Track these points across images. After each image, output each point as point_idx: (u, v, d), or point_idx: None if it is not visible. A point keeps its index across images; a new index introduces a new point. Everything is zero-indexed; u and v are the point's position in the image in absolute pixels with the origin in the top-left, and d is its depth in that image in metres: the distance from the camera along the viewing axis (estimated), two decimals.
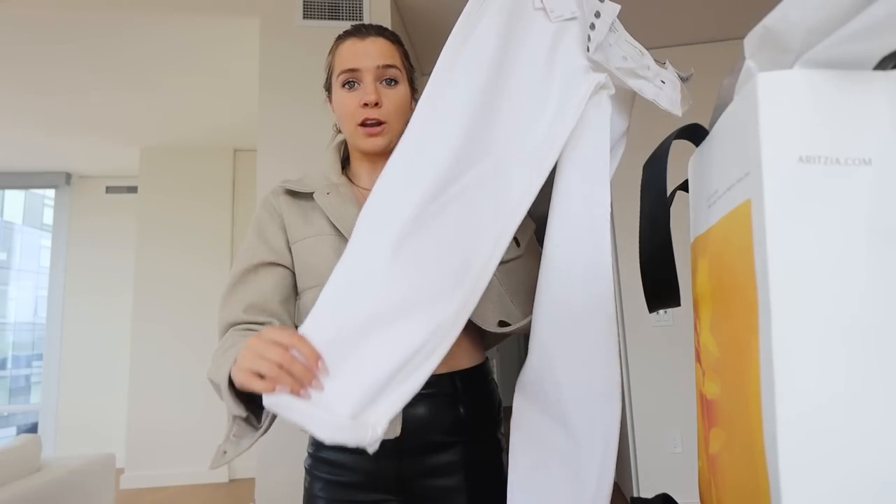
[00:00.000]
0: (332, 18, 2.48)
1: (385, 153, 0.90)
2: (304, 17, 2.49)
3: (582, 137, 0.73)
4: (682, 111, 0.74)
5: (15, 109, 3.54)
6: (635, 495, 3.02)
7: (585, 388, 0.71)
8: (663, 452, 2.94)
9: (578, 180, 0.73)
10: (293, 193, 0.91)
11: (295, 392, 0.60)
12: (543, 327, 0.73)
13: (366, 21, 2.48)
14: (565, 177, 0.74)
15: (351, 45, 0.89)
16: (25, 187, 5.05)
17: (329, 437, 0.59)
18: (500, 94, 0.74)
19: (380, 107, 0.86)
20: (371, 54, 0.87)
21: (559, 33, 0.76)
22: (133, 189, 4.61)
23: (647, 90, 0.73)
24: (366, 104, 0.85)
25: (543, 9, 0.75)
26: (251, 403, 0.73)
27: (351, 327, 0.65)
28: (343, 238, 0.84)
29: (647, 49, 0.78)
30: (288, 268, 0.88)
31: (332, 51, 0.93)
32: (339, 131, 0.98)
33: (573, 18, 0.75)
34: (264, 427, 0.72)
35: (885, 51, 0.27)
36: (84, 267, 4.67)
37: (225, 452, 0.74)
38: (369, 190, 0.91)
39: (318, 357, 0.62)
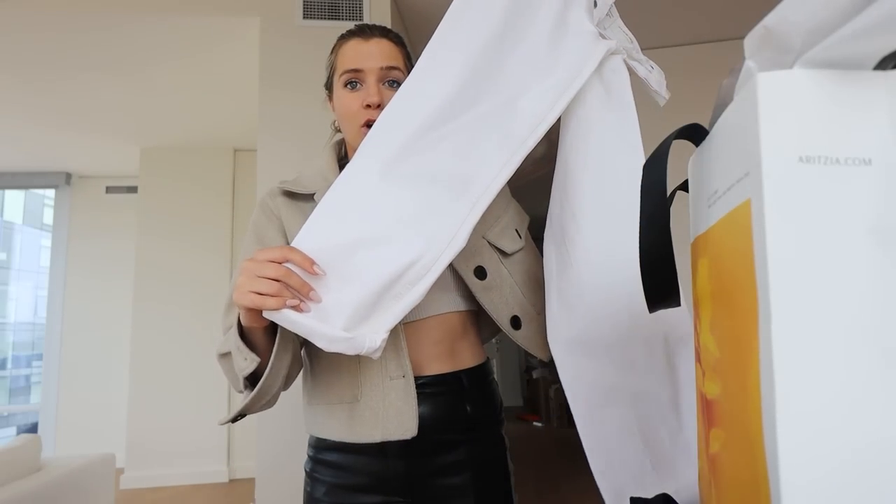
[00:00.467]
0: (332, 18, 2.48)
1: None
2: (304, 17, 2.49)
3: (607, 107, 0.75)
4: (665, 99, 0.78)
5: (15, 109, 3.54)
6: (635, 495, 3.00)
7: (658, 338, 0.69)
8: None
9: (615, 152, 0.74)
10: (291, 194, 0.90)
11: (295, 304, 0.63)
12: (599, 287, 0.72)
13: (366, 21, 2.48)
14: (598, 149, 0.75)
15: (354, 45, 0.89)
16: (25, 187, 5.05)
17: (326, 347, 0.63)
18: (509, 42, 0.74)
19: (382, 108, 0.85)
20: (374, 55, 0.87)
21: (568, 2, 0.77)
22: (133, 189, 4.61)
23: (640, 70, 0.76)
24: (368, 105, 0.85)
25: None
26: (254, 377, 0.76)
27: (343, 241, 0.67)
28: None
29: (649, 49, 0.80)
30: None
31: (335, 50, 0.93)
32: (338, 130, 0.98)
33: None
34: (268, 369, 0.74)
35: (885, 51, 0.27)
36: (84, 267, 4.67)
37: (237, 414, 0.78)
38: None
39: (312, 262, 0.64)
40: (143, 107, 3.58)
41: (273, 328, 0.74)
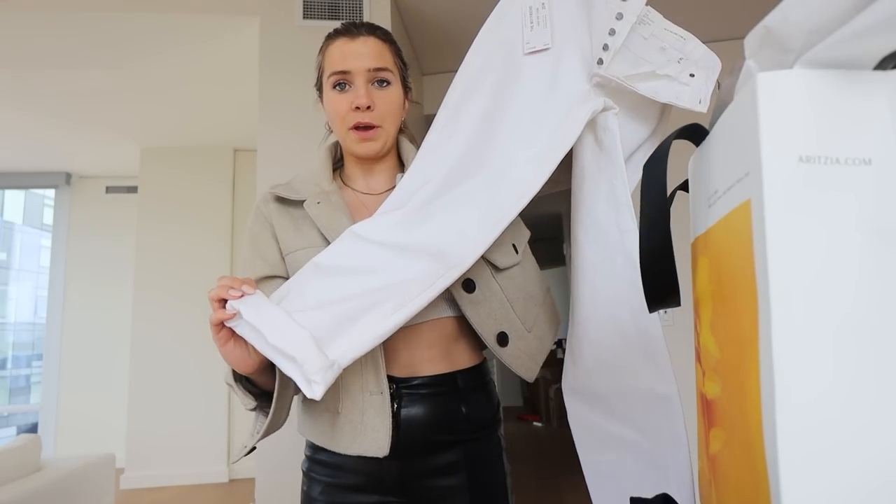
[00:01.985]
0: (332, 18, 2.48)
1: (378, 157, 0.90)
2: (304, 17, 2.49)
3: (598, 164, 0.75)
4: (708, 106, 0.74)
5: (15, 109, 3.54)
6: (635, 495, 3.00)
7: (644, 392, 0.73)
8: None
9: (605, 208, 0.75)
10: (283, 200, 0.89)
11: (230, 314, 0.67)
12: (593, 342, 0.76)
13: (366, 21, 2.48)
14: (590, 204, 0.77)
15: (341, 45, 0.87)
16: (25, 187, 5.05)
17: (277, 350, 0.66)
18: (499, 113, 0.77)
19: (372, 110, 0.84)
20: (362, 55, 0.85)
21: (559, 61, 0.78)
22: (133, 189, 4.61)
23: (665, 92, 0.73)
24: (357, 107, 0.83)
25: (533, 50, 0.79)
26: (262, 399, 0.80)
27: (319, 286, 0.73)
28: None
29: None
30: (285, 277, 0.87)
31: (322, 50, 0.91)
32: (332, 131, 0.97)
33: (545, 49, 0.78)
34: (272, 410, 0.76)
35: (886, 51, 0.27)
36: (84, 267, 4.67)
37: (245, 446, 0.81)
38: (365, 193, 0.91)
39: (241, 282, 0.69)
40: (143, 107, 3.58)
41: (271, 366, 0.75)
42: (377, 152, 0.87)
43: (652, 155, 0.43)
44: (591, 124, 0.75)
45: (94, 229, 4.72)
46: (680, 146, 0.44)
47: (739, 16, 2.94)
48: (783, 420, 0.27)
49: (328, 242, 0.82)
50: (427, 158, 0.81)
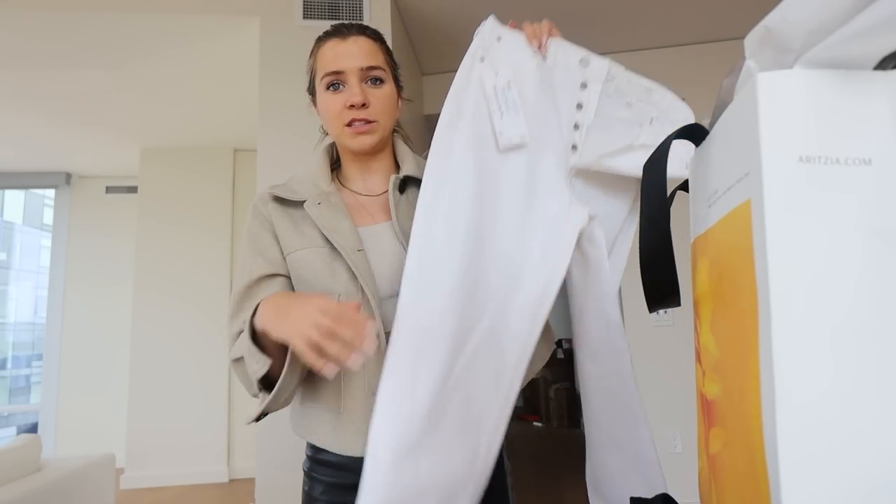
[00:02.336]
0: (331, 18, 2.48)
1: (374, 152, 0.90)
2: (304, 17, 2.49)
3: (586, 282, 0.74)
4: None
5: (15, 109, 3.54)
6: (635, 495, 3.01)
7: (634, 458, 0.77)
8: (663, 452, 2.91)
9: (596, 327, 0.75)
10: (282, 201, 0.89)
11: (331, 368, 0.62)
12: (597, 426, 0.79)
13: (366, 21, 2.48)
14: (580, 320, 0.77)
15: (333, 46, 0.87)
16: (25, 187, 5.05)
17: None
18: (487, 239, 0.71)
19: (367, 107, 0.85)
20: (354, 55, 0.85)
21: (535, 160, 0.73)
22: (133, 189, 4.60)
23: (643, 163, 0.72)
24: (352, 105, 0.84)
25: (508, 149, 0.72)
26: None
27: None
28: (335, 251, 0.83)
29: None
30: (286, 276, 0.87)
31: (313, 53, 0.91)
32: (327, 133, 0.97)
33: (522, 146, 0.71)
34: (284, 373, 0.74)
35: (886, 51, 0.27)
36: (84, 267, 4.67)
37: (251, 416, 0.79)
38: (362, 194, 0.90)
39: (363, 339, 0.63)
40: (143, 107, 3.58)
41: None
42: (373, 146, 0.88)
43: (652, 155, 0.43)
44: (577, 240, 0.71)
45: (94, 229, 4.72)
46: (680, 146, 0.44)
47: (739, 16, 2.94)
48: (783, 420, 0.27)
49: (329, 243, 0.83)
50: (424, 267, 0.69)
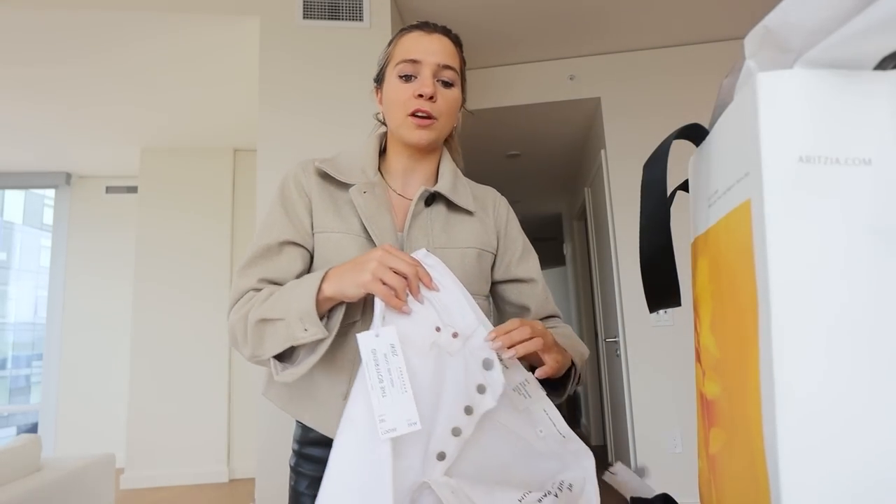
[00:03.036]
0: (332, 18, 2.48)
1: (425, 150, 0.92)
2: (304, 17, 2.49)
3: None
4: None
5: (15, 109, 3.54)
6: (635, 495, 3.01)
7: None
8: (663, 452, 2.94)
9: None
10: (327, 177, 0.89)
11: (408, 310, 0.68)
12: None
13: (365, 21, 2.48)
14: None
15: (416, 36, 0.88)
16: (25, 187, 5.05)
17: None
18: None
19: (434, 101, 0.85)
20: (434, 50, 0.86)
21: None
22: (133, 189, 4.61)
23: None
24: (421, 95, 0.84)
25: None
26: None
27: None
28: (372, 243, 0.84)
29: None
30: (309, 250, 0.87)
31: (394, 41, 0.92)
32: (382, 123, 0.97)
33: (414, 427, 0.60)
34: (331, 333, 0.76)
35: (886, 51, 0.27)
36: (84, 267, 4.67)
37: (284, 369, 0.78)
38: (399, 194, 0.92)
39: (431, 279, 0.71)
40: (143, 107, 3.58)
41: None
42: (429, 143, 0.88)
43: (652, 155, 0.43)
44: None
45: (94, 229, 4.72)
46: (680, 146, 0.44)
47: (739, 16, 2.94)
48: (783, 419, 0.27)
49: (367, 233, 0.84)
50: None
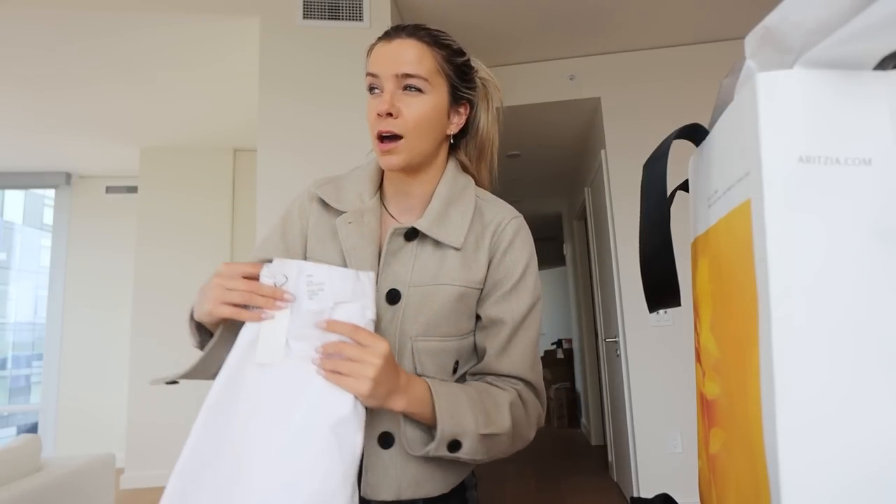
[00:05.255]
0: (332, 18, 2.48)
1: (404, 171, 0.82)
2: (304, 17, 2.49)
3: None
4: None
5: (15, 109, 3.54)
6: (635, 495, 3.02)
7: None
8: (663, 452, 2.94)
9: None
10: (326, 205, 0.86)
11: (267, 315, 0.67)
12: None
13: (365, 21, 2.48)
14: None
15: (378, 48, 0.81)
16: (25, 187, 5.05)
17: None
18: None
19: (395, 117, 0.77)
20: (391, 60, 0.78)
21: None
22: (133, 189, 4.61)
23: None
24: (378, 114, 0.77)
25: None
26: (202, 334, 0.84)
27: None
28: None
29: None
30: None
31: (367, 54, 0.86)
32: None
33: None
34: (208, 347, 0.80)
35: (885, 51, 0.27)
36: (84, 267, 4.67)
37: (166, 377, 0.84)
38: (394, 218, 0.86)
39: (279, 293, 0.68)
40: (143, 107, 3.58)
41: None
42: (400, 167, 0.79)
43: (652, 155, 0.43)
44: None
45: (94, 229, 4.72)
46: (680, 146, 0.44)
47: (739, 16, 2.94)
48: (783, 419, 0.27)
49: (345, 265, 0.80)
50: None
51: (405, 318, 0.78)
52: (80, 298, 4.63)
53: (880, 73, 0.28)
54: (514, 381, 0.82)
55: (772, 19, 0.30)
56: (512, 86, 3.38)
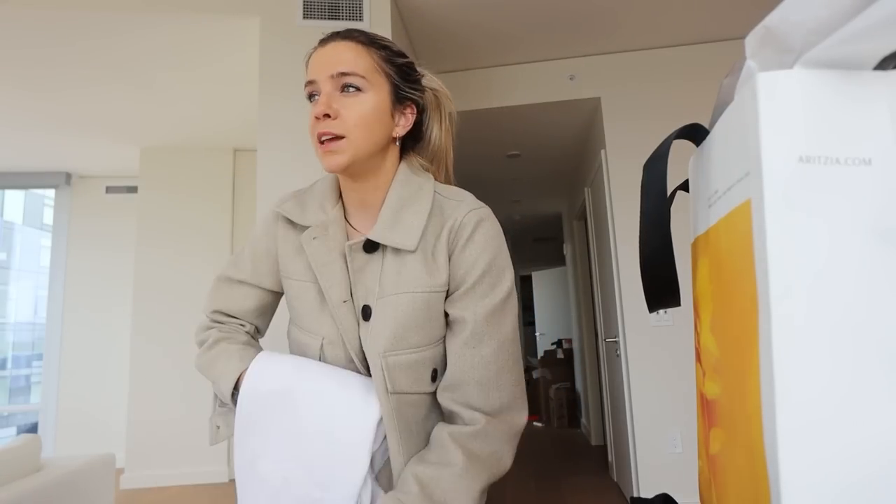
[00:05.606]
0: (332, 18, 2.48)
1: (351, 175, 0.80)
2: (304, 17, 2.49)
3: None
4: None
5: (15, 109, 3.54)
6: (635, 495, 3.02)
7: None
8: (663, 452, 2.94)
9: None
10: (291, 223, 0.85)
11: None
12: None
13: (365, 21, 2.48)
14: None
15: (313, 55, 0.79)
16: (25, 187, 5.04)
17: None
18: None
19: (333, 118, 0.74)
20: (326, 62, 0.76)
21: None
22: (133, 189, 4.61)
23: None
24: (317, 117, 0.75)
25: None
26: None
27: None
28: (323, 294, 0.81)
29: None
30: (265, 289, 0.90)
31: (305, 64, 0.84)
32: None
33: None
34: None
35: (886, 51, 0.27)
36: (84, 267, 4.67)
37: (218, 427, 0.86)
38: (357, 231, 0.83)
39: None
40: (143, 107, 3.58)
41: None
42: (344, 167, 0.76)
43: (652, 155, 0.43)
44: None
45: (94, 229, 4.73)
46: (680, 146, 0.44)
47: (739, 16, 2.94)
48: (783, 419, 0.27)
49: (315, 282, 0.81)
50: None
51: (376, 333, 0.76)
52: (80, 298, 4.63)
53: (880, 73, 0.28)
54: (475, 395, 0.75)
55: (772, 19, 0.30)
56: (512, 86, 3.38)
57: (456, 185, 0.87)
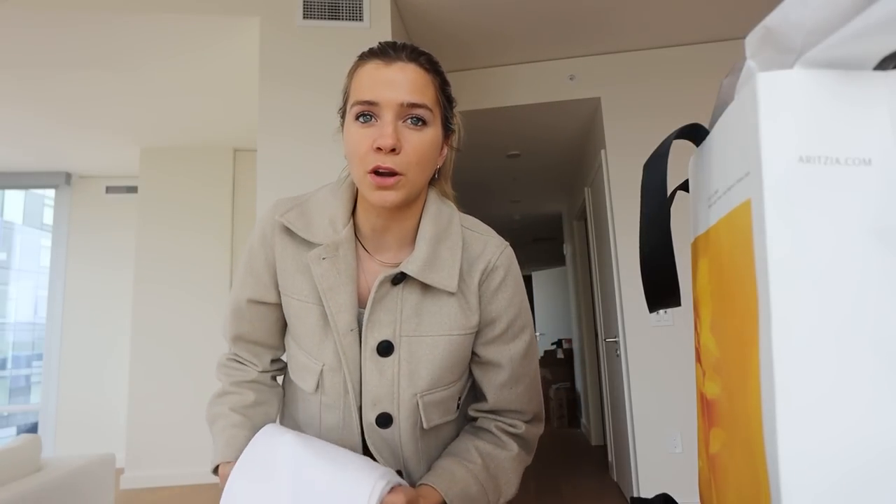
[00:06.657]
0: (332, 18, 2.48)
1: (398, 209, 0.75)
2: (304, 17, 2.49)
3: None
4: None
5: (15, 109, 3.54)
6: (635, 495, 3.02)
7: None
8: (663, 452, 2.94)
9: None
10: (292, 234, 0.79)
11: None
12: None
13: (365, 21, 2.48)
14: None
15: (373, 69, 0.71)
16: (25, 187, 5.05)
17: None
18: None
19: (397, 153, 0.68)
20: (394, 86, 0.69)
21: None
22: (133, 189, 4.61)
23: None
24: (380, 148, 0.68)
25: None
26: None
27: None
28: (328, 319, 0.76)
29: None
30: (272, 303, 0.84)
31: (351, 72, 0.75)
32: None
33: None
34: None
35: (886, 51, 0.27)
36: (84, 267, 4.67)
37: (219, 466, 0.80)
38: (370, 255, 0.80)
39: None
40: (143, 107, 3.58)
41: None
42: (394, 204, 0.71)
43: (652, 155, 0.43)
44: None
45: (94, 229, 4.73)
46: (680, 146, 0.44)
47: (739, 16, 2.94)
48: (783, 419, 0.27)
49: (321, 305, 0.76)
50: None
51: (408, 373, 0.76)
52: (80, 298, 4.63)
53: (880, 73, 0.28)
54: (515, 415, 0.84)
55: (772, 19, 0.30)
56: (512, 86, 3.38)
57: (452, 190, 0.86)
